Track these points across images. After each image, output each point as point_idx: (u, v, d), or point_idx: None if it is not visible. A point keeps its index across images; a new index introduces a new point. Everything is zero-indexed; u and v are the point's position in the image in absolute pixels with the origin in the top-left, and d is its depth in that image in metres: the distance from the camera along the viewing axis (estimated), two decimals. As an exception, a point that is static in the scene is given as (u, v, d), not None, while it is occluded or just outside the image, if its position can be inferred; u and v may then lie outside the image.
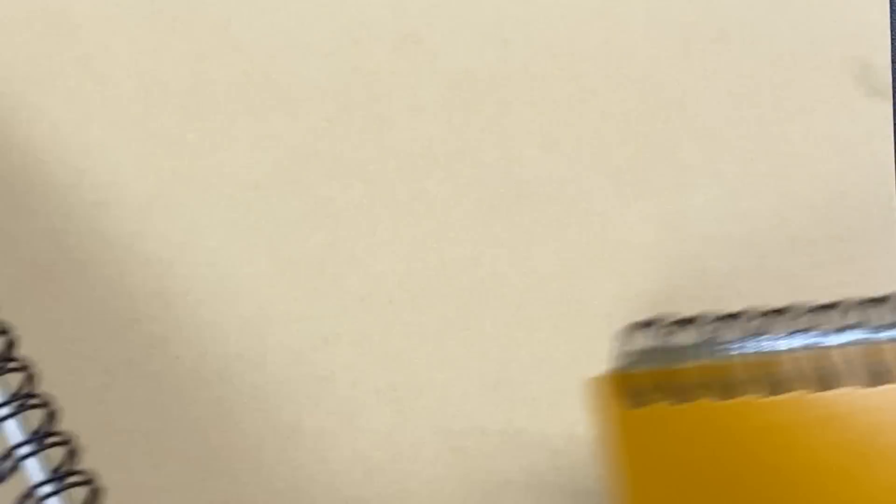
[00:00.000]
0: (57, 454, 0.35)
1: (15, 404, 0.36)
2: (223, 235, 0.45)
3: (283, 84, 0.47)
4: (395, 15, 0.49)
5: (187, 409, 0.43)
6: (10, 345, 0.36)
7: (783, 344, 0.37)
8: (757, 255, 0.47)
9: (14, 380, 0.36)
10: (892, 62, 0.49)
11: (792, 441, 0.37)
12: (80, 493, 0.35)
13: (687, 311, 0.46)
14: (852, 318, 0.38)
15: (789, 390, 0.36)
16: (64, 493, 0.35)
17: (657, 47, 0.49)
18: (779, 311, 0.39)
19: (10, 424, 0.36)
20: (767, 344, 0.38)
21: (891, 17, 0.50)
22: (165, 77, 0.47)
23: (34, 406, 0.36)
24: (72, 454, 0.36)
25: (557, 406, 0.44)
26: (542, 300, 0.46)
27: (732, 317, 0.39)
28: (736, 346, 0.38)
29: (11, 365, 0.36)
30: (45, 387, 0.35)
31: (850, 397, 0.36)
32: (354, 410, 0.44)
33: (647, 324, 0.40)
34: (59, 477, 0.35)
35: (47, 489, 0.35)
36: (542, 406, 0.44)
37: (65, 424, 0.35)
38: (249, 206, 0.46)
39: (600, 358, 0.46)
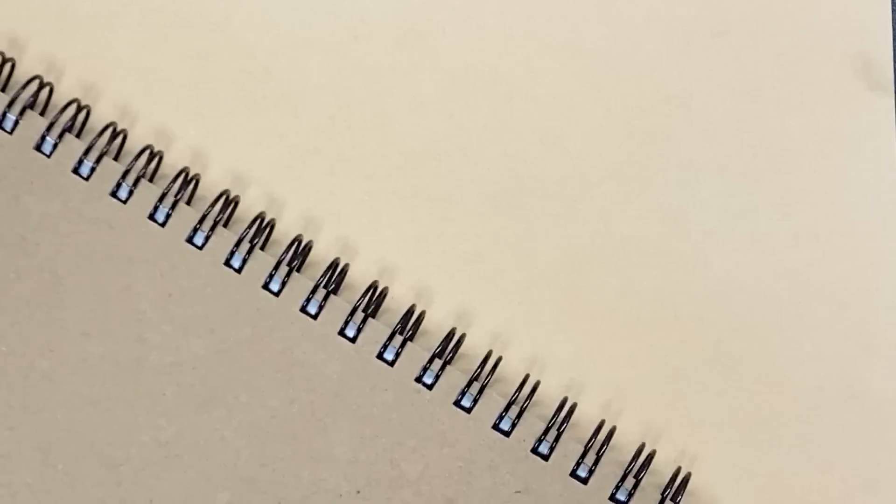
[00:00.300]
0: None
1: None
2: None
3: (284, 80, 0.47)
4: (395, 11, 0.49)
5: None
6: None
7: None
8: (759, 250, 0.47)
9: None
10: (894, 57, 0.49)
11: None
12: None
13: (688, 309, 0.46)
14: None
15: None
16: None
17: (659, 43, 0.49)
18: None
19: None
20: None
21: (892, 12, 0.50)
22: (166, 73, 0.47)
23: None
24: None
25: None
26: (544, 297, 0.46)
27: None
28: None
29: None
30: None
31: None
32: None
33: None
34: None
35: None
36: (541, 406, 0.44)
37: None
38: (251, 204, 0.46)
39: (601, 355, 0.46)
